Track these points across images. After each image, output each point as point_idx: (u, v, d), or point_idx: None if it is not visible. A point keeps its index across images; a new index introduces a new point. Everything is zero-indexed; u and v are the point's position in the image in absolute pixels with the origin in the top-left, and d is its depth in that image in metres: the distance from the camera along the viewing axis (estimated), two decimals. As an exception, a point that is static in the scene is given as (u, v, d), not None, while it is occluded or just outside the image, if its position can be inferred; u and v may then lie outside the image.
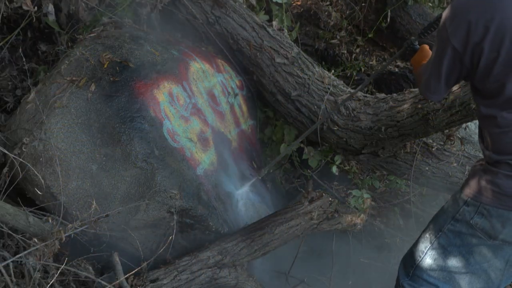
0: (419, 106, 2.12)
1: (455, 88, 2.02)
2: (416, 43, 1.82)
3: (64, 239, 1.74)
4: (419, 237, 1.63)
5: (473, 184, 1.46)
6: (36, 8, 2.18)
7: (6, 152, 1.82)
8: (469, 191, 1.46)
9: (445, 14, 1.36)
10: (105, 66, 2.08)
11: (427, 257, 1.56)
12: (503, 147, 1.38)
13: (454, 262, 1.51)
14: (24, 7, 2.15)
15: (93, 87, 2.02)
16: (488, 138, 1.43)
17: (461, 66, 1.38)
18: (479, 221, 1.42)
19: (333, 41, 3.34)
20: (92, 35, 2.25)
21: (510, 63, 1.27)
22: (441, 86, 1.48)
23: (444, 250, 1.52)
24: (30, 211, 1.83)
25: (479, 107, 1.43)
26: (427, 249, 1.57)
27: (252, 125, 2.67)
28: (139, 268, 1.87)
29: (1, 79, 2.37)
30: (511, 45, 1.25)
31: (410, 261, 1.64)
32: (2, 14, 2.17)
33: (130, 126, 1.98)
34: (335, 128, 2.37)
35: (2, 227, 1.74)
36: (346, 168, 2.91)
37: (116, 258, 1.90)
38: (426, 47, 1.79)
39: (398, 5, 3.36)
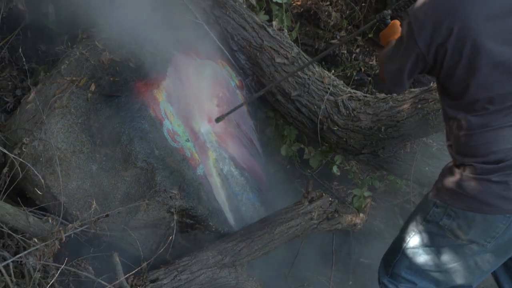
0: (419, 106, 2.12)
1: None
2: (389, 17, 1.81)
3: (64, 239, 1.74)
4: (397, 236, 1.70)
5: (441, 186, 1.49)
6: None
7: (6, 152, 1.82)
8: (438, 193, 1.50)
9: (412, 12, 1.36)
10: (107, 66, 2.08)
11: (404, 256, 1.62)
12: (467, 150, 1.40)
13: (427, 261, 1.57)
14: (20, 7, 2.15)
15: (93, 87, 2.02)
16: (454, 140, 1.44)
17: (425, 64, 1.40)
18: (448, 222, 1.46)
19: (333, 41, 3.34)
20: (92, 35, 2.25)
21: (472, 66, 1.28)
22: (404, 81, 1.50)
23: (418, 250, 1.58)
24: (30, 211, 1.83)
25: (445, 108, 1.45)
26: (403, 248, 1.62)
27: (253, 125, 2.67)
28: (139, 268, 1.87)
29: (1, 79, 2.37)
30: (472, 48, 1.26)
31: (388, 259, 1.70)
32: (2, 14, 2.17)
33: (130, 126, 1.98)
34: (335, 128, 2.37)
35: (2, 227, 1.74)
36: (346, 168, 2.91)
37: (116, 258, 1.90)
38: (397, 23, 1.79)
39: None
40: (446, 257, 1.52)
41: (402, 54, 1.43)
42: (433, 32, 1.30)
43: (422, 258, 1.57)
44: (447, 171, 1.49)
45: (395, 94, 2.33)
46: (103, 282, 1.80)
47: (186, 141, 2.13)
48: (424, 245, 1.56)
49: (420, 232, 1.56)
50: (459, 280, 1.55)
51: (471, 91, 1.32)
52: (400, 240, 1.65)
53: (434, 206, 1.50)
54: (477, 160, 1.38)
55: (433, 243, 1.54)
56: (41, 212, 1.91)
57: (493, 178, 1.35)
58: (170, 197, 1.99)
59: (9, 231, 1.75)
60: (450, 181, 1.45)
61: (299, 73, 2.41)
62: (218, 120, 2.32)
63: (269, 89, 2.43)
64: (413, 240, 1.58)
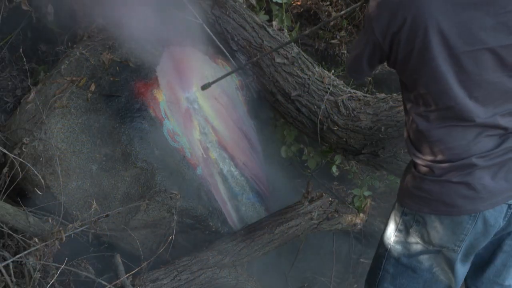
0: (419, 106, 2.12)
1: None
2: None
3: (64, 239, 1.74)
4: (375, 254, 1.64)
5: (405, 192, 1.46)
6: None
7: (6, 152, 1.82)
8: (404, 200, 1.47)
9: (371, 0, 1.34)
10: (107, 66, 2.08)
11: (385, 272, 1.57)
12: (424, 147, 1.37)
13: (408, 273, 1.52)
14: (24, 7, 2.16)
15: (93, 87, 2.02)
16: (412, 135, 1.42)
17: (381, 53, 1.38)
18: (418, 229, 1.43)
19: (333, 41, 3.33)
20: (92, 35, 2.25)
21: (424, 57, 1.26)
22: (362, 68, 1.50)
23: (397, 262, 1.53)
24: (30, 211, 1.83)
25: (404, 103, 1.43)
26: (382, 264, 1.57)
27: (253, 125, 2.67)
28: (139, 268, 1.87)
29: (1, 79, 2.37)
30: (424, 38, 1.23)
31: (371, 280, 1.64)
32: (2, 14, 2.17)
33: (130, 126, 1.98)
34: (335, 128, 2.37)
35: (2, 227, 1.74)
36: (346, 168, 2.91)
37: (119, 259, 1.90)
38: None
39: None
40: (425, 266, 1.48)
41: (361, 41, 1.42)
42: (389, 21, 1.28)
43: (403, 270, 1.52)
44: (408, 176, 1.45)
45: (395, 94, 2.34)
46: (103, 282, 1.81)
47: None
48: (401, 257, 1.51)
49: (395, 244, 1.52)
50: (441, 286, 1.51)
51: (422, 83, 1.30)
52: (378, 256, 1.60)
53: (403, 215, 1.47)
54: (434, 159, 1.35)
55: (409, 254, 1.50)
56: (41, 212, 1.91)
57: (453, 179, 1.32)
58: (170, 197, 1.99)
59: (9, 231, 1.75)
60: (412, 186, 1.42)
61: (299, 73, 2.41)
62: (204, 87, 2.28)
63: (256, 60, 2.37)
64: (391, 253, 1.54)
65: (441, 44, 1.23)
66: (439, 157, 1.34)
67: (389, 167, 2.51)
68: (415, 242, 1.47)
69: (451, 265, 1.45)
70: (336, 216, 2.35)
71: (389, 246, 1.54)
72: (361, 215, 2.48)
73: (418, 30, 1.24)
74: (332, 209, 2.33)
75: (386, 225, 1.59)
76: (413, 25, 1.24)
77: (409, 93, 1.39)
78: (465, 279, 1.59)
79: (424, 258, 1.48)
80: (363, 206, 2.50)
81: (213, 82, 2.26)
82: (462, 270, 1.48)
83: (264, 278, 2.42)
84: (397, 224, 1.50)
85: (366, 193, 2.53)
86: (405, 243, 1.50)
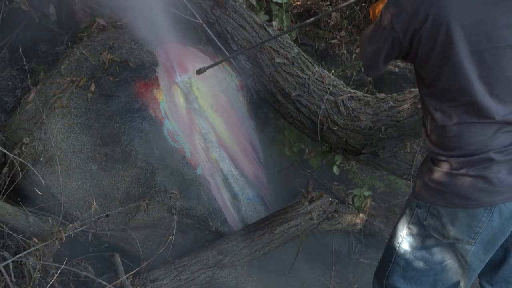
0: (419, 106, 2.12)
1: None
2: None
3: (64, 239, 1.74)
4: (386, 246, 1.65)
5: (421, 185, 1.47)
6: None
7: (6, 152, 1.82)
8: (418, 193, 1.48)
9: None
10: (107, 66, 2.08)
11: (396, 265, 1.58)
12: (442, 142, 1.39)
13: (419, 265, 1.53)
14: (23, 7, 2.15)
15: (93, 87, 2.02)
16: (430, 131, 1.43)
17: (400, 49, 1.39)
18: (432, 221, 1.44)
19: (333, 41, 3.33)
20: (92, 35, 2.26)
21: (446, 54, 1.27)
22: (379, 64, 1.50)
23: (408, 255, 1.54)
24: (30, 211, 1.83)
25: (422, 98, 1.44)
26: (393, 256, 1.58)
27: (253, 125, 2.67)
28: (139, 268, 1.87)
29: (1, 79, 2.37)
30: (447, 35, 1.24)
31: (381, 272, 1.65)
32: (2, 14, 2.17)
33: (130, 126, 1.98)
34: (335, 128, 2.37)
35: (2, 227, 1.74)
36: (346, 168, 2.91)
37: (118, 259, 1.90)
38: None
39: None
40: (437, 259, 1.50)
41: (380, 37, 1.41)
42: (410, 17, 1.29)
43: (414, 263, 1.54)
44: (425, 169, 1.47)
45: (395, 94, 2.34)
46: (103, 282, 1.81)
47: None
48: (413, 250, 1.53)
49: (407, 237, 1.53)
50: (452, 280, 1.52)
51: (443, 79, 1.31)
52: (389, 249, 1.61)
53: (417, 207, 1.48)
54: (451, 153, 1.36)
55: (422, 246, 1.51)
56: (41, 212, 1.91)
57: (470, 173, 1.34)
58: (170, 197, 1.99)
59: (9, 231, 1.75)
60: (428, 179, 1.43)
61: (299, 73, 2.41)
62: (199, 72, 2.27)
63: (250, 48, 2.36)
64: (402, 246, 1.55)
65: (464, 40, 1.24)
66: (457, 152, 1.36)
67: (389, 167, 2.51)
68: (428, 235, 1.47)
69: (464, 258, 1.46)
70: (336, 216, 2.35)
71: (401, 239, 1.55)
72: (361, 215, 2.48)
73: (440, 27, 1.25)
74: (332, 209, 2.33)
75: (398, 218, 1.60)
76: (435, 22, 1.25)
77: (427, 88, 1.40)
78: (479, 276, 1.59)
79: (436, 251, 1.48)
80: (363, 206, 2.50)
81: (209, 67, 2.25)
82: (477, 264, 1.47)
83: (264, 278, 2.42)
84: (410, 217, 1.51)
85: (366, 193, 2.53)
86: (418, 236, 1.50)
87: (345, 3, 1.87)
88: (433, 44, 1.28)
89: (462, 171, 1.35)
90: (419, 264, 1.53)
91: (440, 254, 1.49)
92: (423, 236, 1.50)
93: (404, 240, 1.54)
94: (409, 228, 1.52)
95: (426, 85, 1.40)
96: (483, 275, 1.58)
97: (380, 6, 1.78)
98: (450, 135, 1.36)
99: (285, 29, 2.72)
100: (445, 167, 1.38)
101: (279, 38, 2.50)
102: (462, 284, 1.54)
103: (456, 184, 1.36)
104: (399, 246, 1.56)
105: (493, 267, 1.54)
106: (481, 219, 1.37)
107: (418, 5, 1.27)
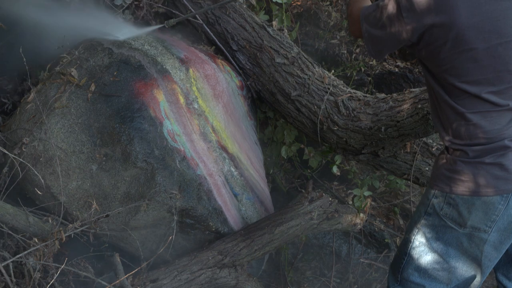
0: (419, 106, 2.12)
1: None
2: None
3: (64, 239, 1.74)
4: (402, 239, 1.66)
5: (437, 175, 1.48)
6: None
7: (6, 152, 1.82)
8: (435, 183, 1.48)
9: None
10: (107, 66, 2.08)
11: (410, 258, 1.58)
12: (458, 134, 1.40)
13: (435, 257, 1.52)
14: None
15: (93, 87, 2.02)
16: (446, 124, 1.44)
17: (407, 43, 1.40)
18: (448, 211, 1.45)
19: (333, 41, 3.33)
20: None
21: (457, 50, 1.29)
22: (384, 50, 1.52)
23: (424, 247, 1.54)
24: (30, 211, 1.84)
25: (434, 90, 1.45)
26: (409, 249, 1.58)
27: (253, 125, 2.67)
28: (139, 268, 1.87)
29: (1, 79, 2.37)
30: (459, 31, 1.26)
31: (396, 265, 1.65)
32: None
33: (130, 126, 1.98)
34: (335, 128, 2.37)
35: (2, 227, 1.74)
36: (346, 168, 2.91)
37: (117, 259, 1.90)
38: None
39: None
40: (453, 251, 1.49)
41: (387, 25, 1.41)
42: (422, 14, 1.30)
43: (429, 256, 1.53)
44: (441, 160, 1.48)
45: (395, 94, 2.33)
46: (103, 282, 1.81)
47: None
48: (429, 242, 1.52)
49: (423, 228, 1.53)
50: (468, 273, 1.51)
51: (455, 73, 1.33)
52: (405, 242, 1.61)
53: (433, 197, 1.48)
54: (467, 142, 1.38)
55: (437, 237, 1.50)
56: (41, 212, 1.91)
57: (486, 160, 1.35)
58: (170, 197, 1.99)
59: (9, 231, 1.75)
60: (444, 168, 1.45)
61: (299, 73, 2.41)
62: (168, 24, 2.29)
63: (196, 14, 2.38)
64: (418, 238, 1.55)
65: (477, 36, 1.26)
66: (473, 141, 1.37)
67: (389, 167, 2.51)
68: (444, 225, 1.47)
69: (480, 248, 1.45)
70: (336, 216, 2.35)
71: (416, 230, 1.55)
72: (361, 215, 2.48)
73: (453, 23, 1.26)
74: (332, 209, 2.33)
75: (415, 210, 1.60)
76: (448, 18, 1.26)
77: (438, 81, 1.41)
78: (494, 270, 1.59)
79: (452, 242, 1.48)
80: (363, 206, 2.50)
81: (178, 19, 2.26)
82: (492, 254, 1.47)
83: (264, 278, 2.43)
84: (426, 207, 1.51)
85: (366, 193, 2.53)
86: (433, 227, 1.50)
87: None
88: (444, 40, 1.30)
89: (478, 159, 1.36)
90: (434, 256, 1.52)
91: (455, 246, 1.48)
92: (439, 227, 1.49)
93: (420, 232, 1.54)
94: (425, 219, 1.52)
95: (436, 77, 1.41)
96: (499, 269, 1.58)
97: None
98: (465, 124, 1.37)
99: (285, 29, 2.72)
100: (461, 156, 1.40)
101: (278, 38, 2.50)
102: (477, 279, 1.53)
103: (473, 172, 1.37)
104: (414, 238, 1.56)
105: (510, 260, 1.55)
106: (497, 207, 1.37)
107: (429, 2, 1.28)
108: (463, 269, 1.51)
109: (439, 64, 1.36)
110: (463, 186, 1.40)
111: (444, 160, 1.46)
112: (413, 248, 1.56)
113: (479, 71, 1.30)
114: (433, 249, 1.52)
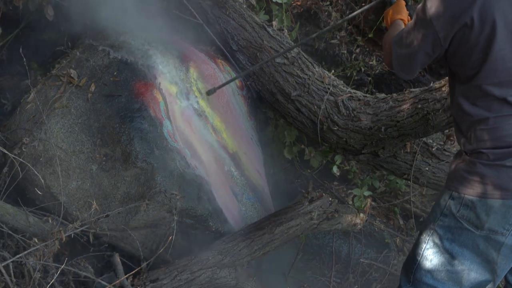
0: (419, 106, 2.12)
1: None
2: None
3: (64, 239, 1.74)
4: (415, 240, 1.63)
5: (454, 177, 1.47)
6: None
7: (6, 152, 1.82)
8: (452, 185, 1.47)
9: None
10: (107, 66, 2.08)
11: (424, 259, 1.56)
12: (478, 138, 1.40)
13: (449, 259, 1.50)
14: (15, 3, 2.14)
15: (93, 87, 2.03)
16: (464, 127, 1.44)
17: (440, 51, 1.40)
18: (465, 213, 1.43)
19: (333, 41, 3.33)
20: (92, 35, 2.25)
21: (488, 52, 1.29)
22: (414, 67, 1.51)
23: (438, 248, 1.52)
24: (30, 211, 1.84)
25: (456, 95, 1.45)
26: (422, 250, 1.56)
27: (253, 125, 2.67)
28: (139, 268, 1.87)
29: (1, 79, 2.37)
30: (491, 33, 1.26)
31: (409, 266, 1.63)
32: (2, 14, 2.17)
33: (130, 126, 1.99)
34: (335, 128, 2.37)
35: (2, 227, 1.75)
36: (346, 168, 2.91)
37: (117, 259, 1.90)
38: (402, 2, 1.79)
39: (398, 5, 3.34)
40: (468, 253, 1.47)
41: (416, 39, 1.42)
42: (453, 18, 1.30)
43: (443, 257, 1.51)
44: (459, 162, 1.47)
45: (395, 94, 2.33)
46: (103, 282, 1.81)
47: None
48: (443, 243, 1.50)
49: (438, 229, 1.50)
50: (482, 276, 1.49)
51: (483, 76, 1.33)
52: (418, 242, 1.58)
53: (450, 198, 1.46)
54: (487, 145, 1.38)
55: (453, 239, 1.48)
56: (41, 212, 1.91)
57: (507, 163, 1.35)
58: (170, 197, 1.99)
59: (9, 231, 1.75)
60: (463, 170, 1.43)
61: (299, 73, 2.41)
62: (209, 93, 2.31)
63: (260, 66, 2.39)
64: (432, 239, 1.53)
65: (507, 36, 1.26)
66: (494, 143, 1.37)
67: (389, 167, 2.51)
68: (460, 227, 1.45)
69: (497, 251, 1.44)
70: (336, 216, 2.35)
71: (431, 231, 1.53)
72: (361, 215, 2.48)
73: (484, 25, 1.27)
74: (332, 209, 2.33)
75: (431, 210, 1.58)
76: (479, 21, 1.27)
77: (463, 85, 1.41)
78: (506, 275, 1.56)
79: (468, 243, 1.46)
80: (363, 206, 2.50)
81: (218, 87, 2.28)
82: (509, 257, 1.45)
83: (264, 278, 2.42)
84: (442, 208, 1.49)
85: (366, 193, 2.53)
86: (449, 228, 1.48)
87: (369, 5, 1.90)
88: (475, 43, 1.30)
89: (498, 162, 1.36)
90: (449, 258, 1.50)
91: (471, 248, 1.47)
92: (455, 228, 1.47)
93: (435, 233, 1.52)
94: (440, 220, 1.50)
95: (463, 82, 1.41)
96: (510, 274, 1.57)
97: (391, 12, 1.80)
98: (486, 128, 1.38)
99: (285, 29, 2.72)
100: (480, 158, 1.39)
101: (278, 38, 2.50)
102: (491, 284, 1.52)
103: (492, 175, 1.37)
104: (429, 239, 1.53)
105: None
106: None
107: (460, 5, 1.28)
108: (478, 271, 1.49)
109: (471, 67, 1.35)
110: (481, 188, 1.39)
111: (462, 162, 1.45)
112: (427, 249, 1.54)
113: (506, 72, 1.30)
114: (447, 251, 1.50)
